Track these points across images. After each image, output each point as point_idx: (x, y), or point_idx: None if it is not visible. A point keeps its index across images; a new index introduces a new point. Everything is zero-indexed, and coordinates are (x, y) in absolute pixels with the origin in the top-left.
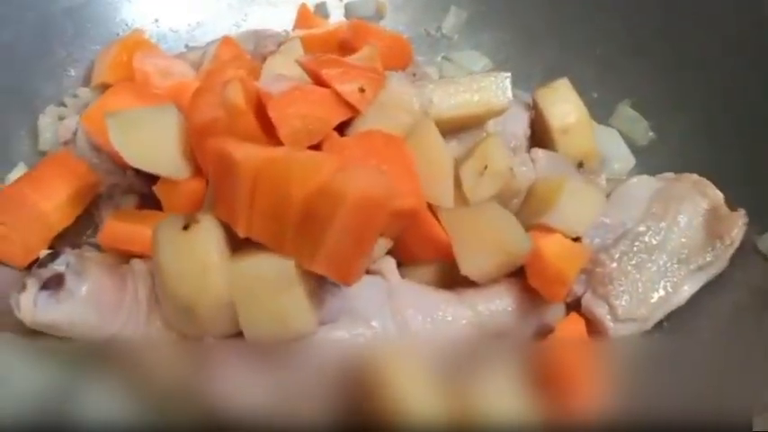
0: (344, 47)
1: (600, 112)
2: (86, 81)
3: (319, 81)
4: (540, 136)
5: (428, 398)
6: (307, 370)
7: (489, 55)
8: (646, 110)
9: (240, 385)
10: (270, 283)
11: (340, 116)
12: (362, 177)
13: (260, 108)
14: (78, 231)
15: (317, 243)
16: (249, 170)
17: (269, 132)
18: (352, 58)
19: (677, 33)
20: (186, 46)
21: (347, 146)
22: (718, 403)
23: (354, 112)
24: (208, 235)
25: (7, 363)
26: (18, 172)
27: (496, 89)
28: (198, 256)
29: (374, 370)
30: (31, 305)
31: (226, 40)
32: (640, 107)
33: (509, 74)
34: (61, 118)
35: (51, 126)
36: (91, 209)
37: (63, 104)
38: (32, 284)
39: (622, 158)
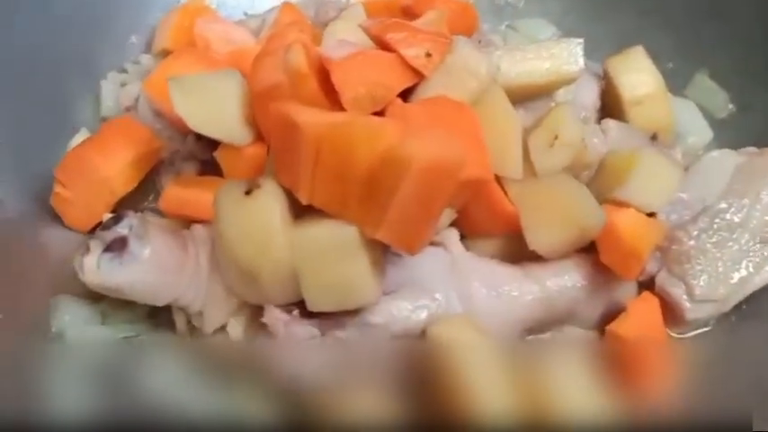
0: (407, 12)
1: (675, 83)
2: (148, 48)
3: (383, 46)
4: (611, 108)
5: (500, 391)
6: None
7: (556, 23)
8: (725, 81)
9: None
10: (333, 250)
11: (405, 82)
12: (431, 143)
13: (322, 73)
14: (140, 198)
15: (382, 211)
16: (312, 135)
17: (331, 98)
18: (417, 23)
19: (758, 2)
20: (245, 14)
21: (412, 112)
22: None
23: (419, 77)
24: (270, 200)
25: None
26: (80, 137)
27: (568, 56)
28: (260, 221)
29: (445, 361)
30: (95, 267)
31: (286, 6)
32: (719, 78)
33: (581, 40)
34: (123, 84)
35: (113, 92)
36: (152, 175)
37: (125, 71)
38: (96, 247)
39: (699, 132)
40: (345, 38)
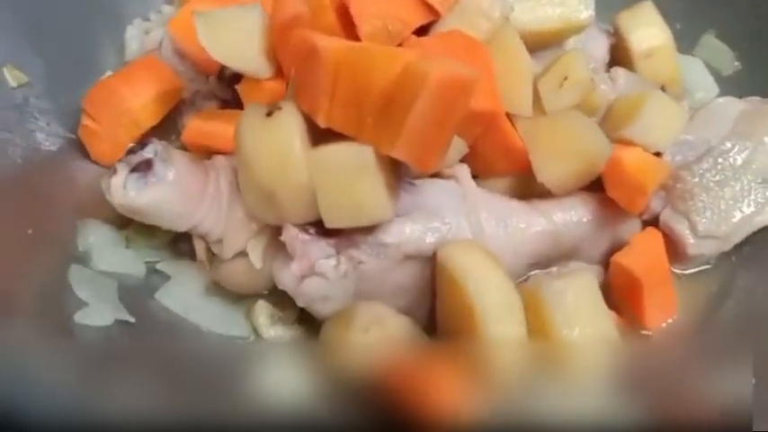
0: None
1: (683, 43)
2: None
3: None
4: (620, 62)
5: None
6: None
7: None
8: (732, 40)
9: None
10: (349, 169)
11: (421, 19)
12: (446, 61)
13: (342, 5)
14: (162, 136)
15: (398, 127)
16: (332, 59)
17: (349, 30)
18: None
19: None
20: None
21: (427, 45)
22: None
23: (435, 15)
24: (290, 121)
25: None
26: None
27: (578, 3)
28: (280, 140)
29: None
30: (121, 188)
31: None
32: (726, 37)
33: None
34: (147, 31)
35: (137, 38)
36: (174, 115)
37: (148, 20)
38: (122, 168)
39: (706, 87)
40: None
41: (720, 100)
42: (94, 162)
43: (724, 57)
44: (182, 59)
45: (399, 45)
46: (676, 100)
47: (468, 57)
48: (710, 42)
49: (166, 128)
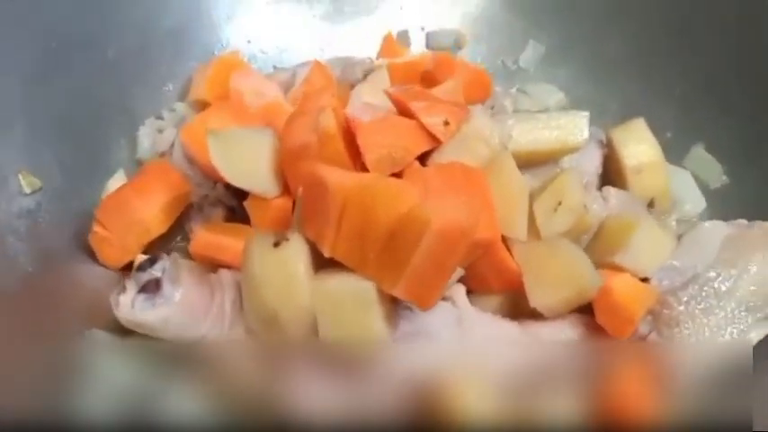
0: (427, 77)
1: (674, 152)
2: (182, 96)
3: (405, 112)
4: (612, 174)
5: (491, 412)
6: (379, 380)
7: (565, 89)
8: (721, 154)
9: (314, 391)
10: (351, 301)
11: (423, 146)
12: (447, 207)
13: (348, 134)
14: (169, 237)
15: (400, 268)
16: (339, 194)
17: (355, 158)
18: (436, 91)
19: (757, 81)
20: (274, 67)
21: (428, 175)
22: None
23: (437, 142)
24: (296, 252)
25: (98, 361)
26: (117, 178)
27: (574, 128)
28: (286, 270)
29: (442, 383)
30: (129, 306)
31: (317, 65)
32: (715, 150)
33: (587, 113)
34: (159, 130)
35: (149, 137)
36: (181, 217)
37: (160, 117)
38: (131, 287)
39: (694, 200)
40: (370, 100)
41: (707, 224)
42: (101, 264)
43: (712, 169)
44: (191, 165)
45: (402, 171)
46: (665, 213)
47: (467, 187)
48: (700, 154)
49: (172, 228)
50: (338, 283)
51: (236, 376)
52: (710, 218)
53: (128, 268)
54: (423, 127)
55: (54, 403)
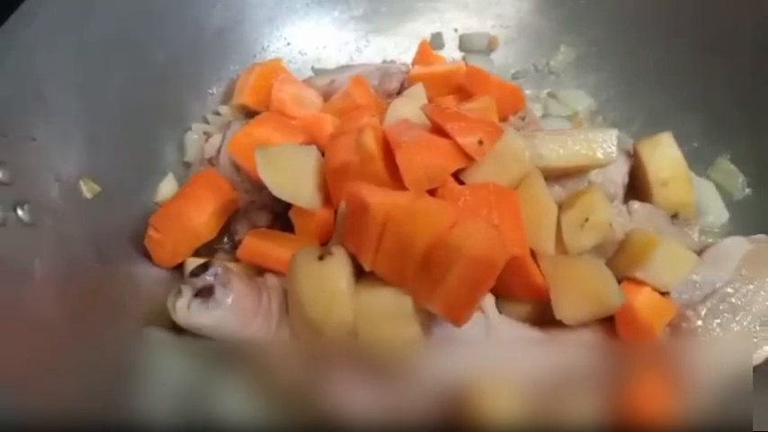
0: (462, 90)
1: (699, 162)
2: (225, 99)
3: (441, 131)
4: (638, 184)
5: (518, 414)
6: (415, 384)
7: (593, 95)
8: (744, 165)
9: (354, 393)
10: (390, 314)
11: (458, 164)
12: (479, 234)
13: (387, 152)
14: (215, 240)
15: (436, 286)
16: (380, 214)
17: (393, 173)
18: (470, 108)
19: None
20: (312, 68)
21: (463, 194)
22: None
23: (471, 161)
24: (339, 266)
25: (155, 359)
26: (168, 182)
27: (603, 143)
28: (329, 283)
29: (473, 387)
30: (185, 309)
31: (357, 80)
32: (739, 162)
33: (616, 130)
34: (206, 134)
35: (196, 141)
36: (228, 220)
37: (206, 121)
38: (187, 292)
39: (716, 212)
40: (407, 116)
41: (728, 241)
42: (156, 264)
43: (735, 181)
44: (238, 172)
45: (437, 188)
46: (689, 224)
47: (499, 206)
48: (724, 165)
49: (220, 231)
50: (377, 295)
51: (282, 376)
52: (733, 229)
53: (178, 269)
54: (458, 146)
55: (114, 400)
